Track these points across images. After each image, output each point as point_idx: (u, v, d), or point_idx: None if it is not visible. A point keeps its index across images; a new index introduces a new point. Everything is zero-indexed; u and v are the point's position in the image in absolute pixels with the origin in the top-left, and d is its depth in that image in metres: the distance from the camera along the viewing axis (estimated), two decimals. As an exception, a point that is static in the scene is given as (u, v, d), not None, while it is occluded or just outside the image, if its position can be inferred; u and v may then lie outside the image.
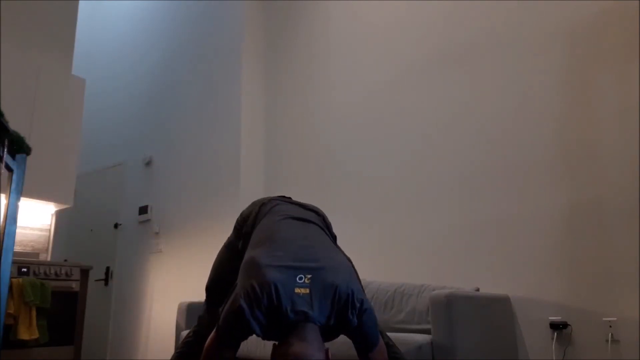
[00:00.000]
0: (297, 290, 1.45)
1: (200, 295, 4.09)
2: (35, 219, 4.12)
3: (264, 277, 1.45)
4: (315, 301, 1.45)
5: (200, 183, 4.51)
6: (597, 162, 2.68)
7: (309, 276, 1.48)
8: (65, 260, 4.04)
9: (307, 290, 1.45)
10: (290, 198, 2.09)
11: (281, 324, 1.45)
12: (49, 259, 4.13)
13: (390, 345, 1.75)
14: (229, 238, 2.08)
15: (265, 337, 1.51)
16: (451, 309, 2.27)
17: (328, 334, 1.53)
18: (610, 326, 2.48)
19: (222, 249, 2.13)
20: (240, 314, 1.44)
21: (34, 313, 3.17)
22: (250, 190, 4.24)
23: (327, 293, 1.46)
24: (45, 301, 3.24)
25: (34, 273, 3.40)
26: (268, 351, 2.74)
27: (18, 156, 1.78)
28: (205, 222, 4.36)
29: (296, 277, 1.47)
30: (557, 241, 2.74)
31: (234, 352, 1.54)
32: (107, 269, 5.14)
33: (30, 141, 3.58)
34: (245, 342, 2.84)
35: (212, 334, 1.55)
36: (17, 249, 3.85)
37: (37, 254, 4.03)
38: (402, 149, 3.55)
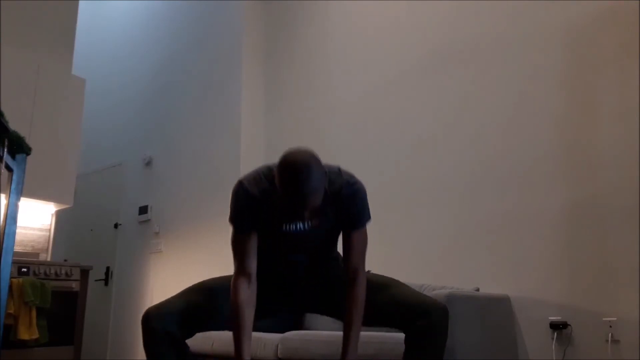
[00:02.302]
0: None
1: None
2: (35, 219, 4.12)
3: None
4: None
5: (200, 183, 4.51)
6: (597, 162, 2.68)
7: None
8: (65, 260, 4.03)
9: None
10: None
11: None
12: (49, 259, 4.12)
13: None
14: None
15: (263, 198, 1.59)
16: (451, 309, 2.26)
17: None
18: (610, 326, 2.48)
19: None
20: (236, 187, 1.61)
21: (34, 313, 3.17)
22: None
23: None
24: (45, 301, 3.24)
25: (34, 273, 3.40)
26: (268, 351, 2.74)
27: (18, 156, 1.78)
28: (205, 222, 4.36)
29: None
30: (557, 241, 2.74)
31: (254, 241, 1.62)
32: (107, 269, 5.14)
33: (30, 141, 3.58)
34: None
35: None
36: (17, 249, 3.85)
37: (37, 254, 4.03)
38: (402, 149, 3.55)
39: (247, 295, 1.58)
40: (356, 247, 1.65)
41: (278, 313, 1.82)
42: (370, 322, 1.65)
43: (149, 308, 1.59)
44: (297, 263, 1.72)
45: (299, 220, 1.60)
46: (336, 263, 1.80)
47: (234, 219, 1.62)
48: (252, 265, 1.61)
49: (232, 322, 1.56)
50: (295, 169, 1.39)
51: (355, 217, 1.64)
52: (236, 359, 1.54)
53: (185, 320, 1.60)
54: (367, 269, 1.70)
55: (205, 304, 1.64)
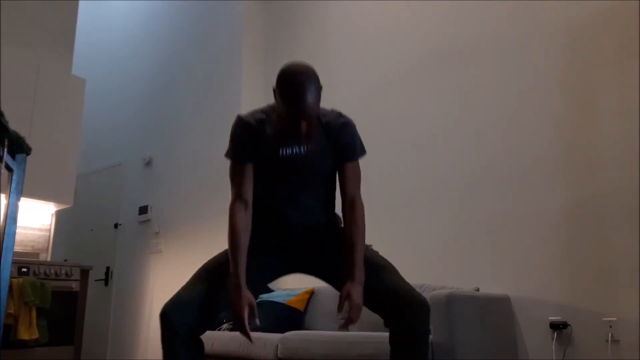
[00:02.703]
0: None
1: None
2: (35, 219, 4.12)
3: None
4: None
5: (200, 183, 4.51)
6: (597, 162, 2.68)
7: None
8: (65, 260, 4.03)
9: None
10: None
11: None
12: (49, 259, 4.12)
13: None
14: None
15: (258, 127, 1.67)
16: (451, 309, 2.27)
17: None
18: (610, 326, 2.48)
19: None
20: (235, 121, 1.69)
21: (34, 313, 3.17)
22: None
23: None
24: (45, 301, 3.24)
25: (34, 273, 3.40)
26: (268, 351, 2.74)
27: (18, 156, 1.78)
28: (205, 222, 4.36)
29: None
30: (557, 241, 2.74)
31: (251, 172, 1.68)
32: (107, 269, 5.14)
33: (30, 141, 3.57)
34: (245, 342, 2.84)
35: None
36: (17, 249, 3.85)
37: (37, 254, 4.03)
38: (402, 149, 3.55)
39: (244, 219, 1.64)
40: (351, 178, 1.73)
41: (276, 270, 1.78)
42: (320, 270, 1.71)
43: (166, 303, 1.57)
44: (296, 199, 1.70)
45: (295, 144, 1.65)
46: (335, 226, 1.79)
47: (232, 149, 1.70)
48: (249, 193, 1.67)
49: (229, 244, 1.62)
50: (296, 71, 1.51)
51: (347, 147, 1.71)
52: (233, 278, 1.57)
53: (204, 308, 1.58)
54: (369, 243, 1.72)
55: (219, 287, 1.63)
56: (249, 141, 1.67)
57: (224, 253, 1.72)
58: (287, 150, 1.65)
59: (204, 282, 1.64)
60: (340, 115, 1.73)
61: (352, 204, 1.70)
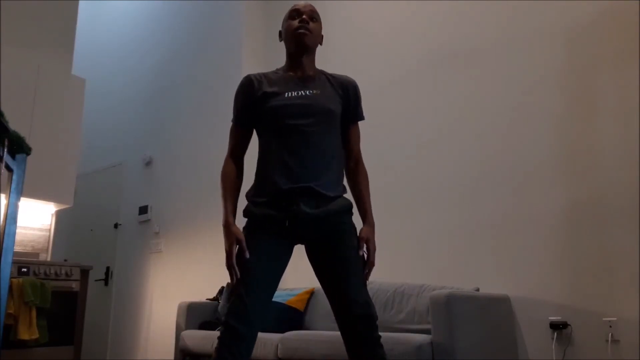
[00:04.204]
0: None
1: (200, 295, 4.09)
2: (35, 219, 4.12)
3: None
4: None
5: (200, 183, 4.51)
6: (597, 162, 2.68)
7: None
8: (65, 260, 4.03)
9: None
10: None
11: None
12: (49, 259, 4.12)
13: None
14: None
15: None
16: (451, 309, 2.27)
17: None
18: (610, 326, 2.48)
19: None
20: (241, 80, 1.80)
21: (34, 313, 3.17)
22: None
23: None
24: (45, 301, 3.24)
25: (34, 273, 3.40)
26: (268, 351, 2.75)
27: (18, 156, 1.78)
28: (205, 222, 4.36)
29: None
30: (557, 241, 2.74)
31: (248, 138, 1.82)
32: (107, 269, 5.14)
33: (30, 141, 3.58)
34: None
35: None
36: (17, 249, 3.85)
37: (37, 254, 4.03)
38: (402, 150, 3.55)
39: (234, 168, 1.75)
40: (356, 140, 1.86)
41: (284, 252, 1.69)
42: (323, 281, 1.67)
43: (226, 316, 1.56)
44: (302, 156, 1.66)
45: (300, 88, 1.73)
46: (349, 222, 1.72)
47: (234, 108, 1.79)
48: (241, 154, 1.79)
49: (221, 189, 1.73)
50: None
51: (356, 105, 1.84)
52: (223, 216, 1.67)
53: (257, 318, 1.58)
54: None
55: (263, 296, 1.61)
56: (249, 98, 1.75)
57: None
58: (292, 93, 1.71)
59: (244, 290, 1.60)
60: (349, 78, 1.86)
61: (358, 160, 1.85)
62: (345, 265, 1.63)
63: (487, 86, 3.19)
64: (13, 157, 1.75)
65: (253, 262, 1.61)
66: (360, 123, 1.91)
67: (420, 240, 3.31)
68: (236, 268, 1.59)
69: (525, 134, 2.97)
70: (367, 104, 3.83)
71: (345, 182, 1.81)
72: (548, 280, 2.73)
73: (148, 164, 5.09)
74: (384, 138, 3.65)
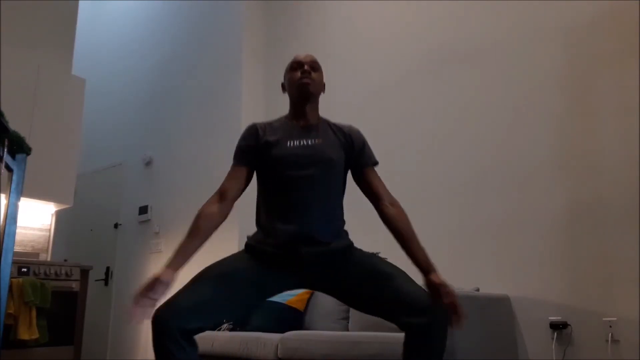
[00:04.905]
0: None
1: (200, 295, 4.09)
2: (35, 219, 4.12)
3: None
4: None
5: (200, 183, 4.51)
6: (597, 162, 2.68)
7: None
8: (65, 260, 4.03)
9: None
10: None
11: None
12: (49, 259, 4.12)
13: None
14: None
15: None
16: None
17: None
18: (610, 326, 2.48)
19: None
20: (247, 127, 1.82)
21: (34, 313, 3.16)
22: (250, 191, 4.23)
23: None
24: (45, 301, 3.24)
25: (34, 273, 3.40)
26: (268, 351, 2.74)
27: (18, 156, 1.78)
28: (205, 222, 4.35)
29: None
30: (557, 241, 2.74)
31: (244, 176, 1.75)
32: (107, 269, 5.14)
33: (30, 141, 3.57)
34: (245, 342, 2.84)
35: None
36: (17, 249, 3.84)
37: (37, 254, 4.03)
38: (402, 150, 3.55)
39: (216, 213, 1.68)
40: (378, 183, 1.82)
41: (281, 284, 1.69)
42: (368, 309, 1.64)
43: (159, 306, 1.53)
44: (305, 207, 1.65)
45: (303, 137, 1.72)
46: (354, 251, 1.73)
47: (236, 150, 1.77)
48: (231, 189, 1.71)
49: (188, 229, 1.66)
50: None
51: (365, 150, 1.82)
52: (160, 270, 1.55)
53: (200, 313, 1.55)
54: (376, 251, 1.70)
55: (218, 294, 1.58)
56: (252, 143, 1.73)
57: (231, 258, 1.70)
58: (294, 142, 1.70)
59: (204, 288, 1.61)
60: (352, 126, 1.86)
61: (393, 202, 1.81)
62: (375, 273, 1.62)
63: (487, 86, 3.19)
64: (13, 157, 1.75)
65: (234, 270, 1.60)
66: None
67: (420, 240, 3.30)
68: (140, 301, 1.49)
69: (526, 134, 2.97)
70: (367, 105, 3.85)
71: (345, 228, 1.79)
72: (548, 280, 2.73)
73: (148, 164, 5.09)
74: (384, 139, 3.65)
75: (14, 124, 1.77)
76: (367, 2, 4.02)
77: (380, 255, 1.76)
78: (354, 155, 1.78)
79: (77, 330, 3.55)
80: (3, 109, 1.65)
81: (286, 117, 1.82)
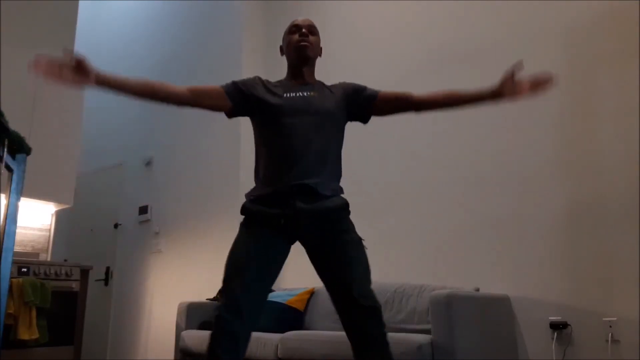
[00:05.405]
0: None
1: (200, 296, 4.09)
2: (35, 219, 4.12)
3: None
4: None
5: (200, 183, 4.51)
6: (597, 162, 2.68)
7: None
8: (65, 260, 4.04)
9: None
10: None
11: None
12: (49, 259, 4.12)
13: None
14: None
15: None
16: (451, 309, 2.27)
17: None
18: (610, 326, 2.48)
19: None
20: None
21: (34, 313, 3.17)
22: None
23: None
24: (45, 301, 3.24)
25: (34, 273, 3.40)
26: (268, 351, 2.75)
27: (18, 156, 1.78)
28: (205, 222, 4.36)
29: None
30: (557, 241, 2.74)
31: (218, 95, 1.81)
32: (107, 269, 5.14)
33: (30, 141, 3.57)
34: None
35: None
36: (17, 249, 3.83)
37: (37, 254, 4.03)
38: (402, 150, 3.55)
39: (174, 87, 1.77)
40: (396, 92, 1.89)
41: (281, 248, 1.70)
42: (324, 276, 1.68)
43: (218, 309, 1.55)
44: (300, 154, 1.67)
45: (299, 90, 1.78)
46: (347, 221, 1.73)
47: (232, 81, 1.84)
48: (199, 95, 1.77)
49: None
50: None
51: (363, 89, 1.89)
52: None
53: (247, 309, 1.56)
54: (363, 238, 1.73)
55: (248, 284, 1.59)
56: (251, 88, 1.80)
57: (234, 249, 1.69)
58: (291, 94, 1.76)
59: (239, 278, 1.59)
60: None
61: (411, 94, 1.85)
62: (345, 261, 1.64)
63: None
64: (13, 157, 1.75)
65: (248, 258, 1.60)
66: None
67: (420, 240, 3.31)
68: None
69: (525, 134, 2.97)
70: (367, 104, 3.84)
71: (341, 183, 1.80)
72: (548, 280, 2.73)
73: (148, 164, 5.09)
74: (384, 138, 3.65)
75: (14, 124, 1.77)
76: (367, 2, 4.02)
77: (364, 242, 1.75)
78: (357, 100, 1.85)
79: (77, 330, 3.55)
80: (3, 109, 1.65)
81: (285, 78, 1.90)
